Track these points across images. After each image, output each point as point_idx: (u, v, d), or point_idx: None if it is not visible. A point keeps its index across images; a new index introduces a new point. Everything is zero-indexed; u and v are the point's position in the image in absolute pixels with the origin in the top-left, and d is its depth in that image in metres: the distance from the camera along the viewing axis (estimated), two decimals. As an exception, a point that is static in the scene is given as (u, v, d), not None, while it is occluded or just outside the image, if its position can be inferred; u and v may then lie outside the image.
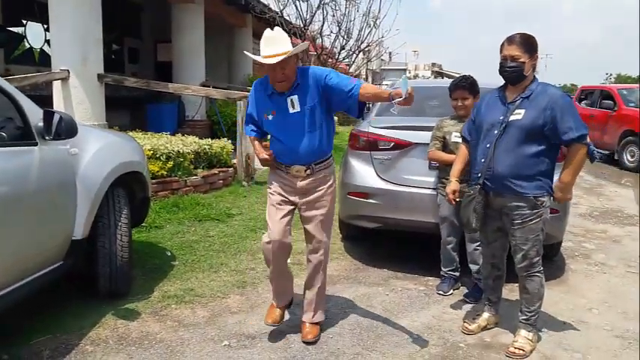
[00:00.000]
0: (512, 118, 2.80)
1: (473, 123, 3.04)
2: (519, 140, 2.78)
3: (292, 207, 2.96)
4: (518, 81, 2.84)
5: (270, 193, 2.99)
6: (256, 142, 3.03)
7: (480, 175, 2.90)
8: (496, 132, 2.84)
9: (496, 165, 2.83)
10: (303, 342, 2.94)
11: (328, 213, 3.00)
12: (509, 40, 2.83)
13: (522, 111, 2.79)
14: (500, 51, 2.86)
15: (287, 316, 3.18)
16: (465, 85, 3.58)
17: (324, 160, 2.94)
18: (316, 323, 3.04)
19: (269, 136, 3.01)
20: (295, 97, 2.83)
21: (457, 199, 3.08)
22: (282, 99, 2.85)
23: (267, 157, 2.93)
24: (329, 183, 2.98)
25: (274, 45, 2.74)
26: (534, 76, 2.88)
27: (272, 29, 2.82)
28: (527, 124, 2.75)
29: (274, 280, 3.07)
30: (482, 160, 2.88)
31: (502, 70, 2.85)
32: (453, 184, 3.10)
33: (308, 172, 2.89)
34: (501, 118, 2.84)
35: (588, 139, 2.77)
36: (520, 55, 2.78)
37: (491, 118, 2.89)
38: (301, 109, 2.83)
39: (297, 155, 2.87)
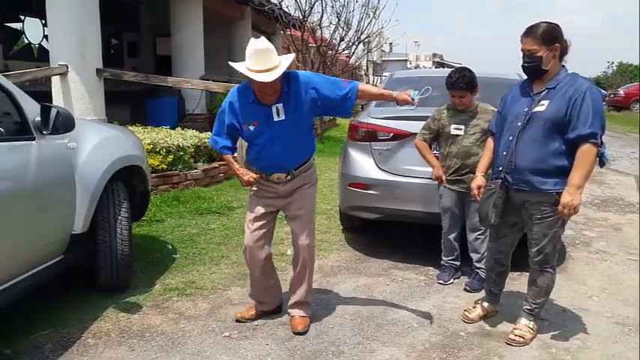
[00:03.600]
0: (535, 109, 2.70)
1: (499, 115, 2.96)
2: (542, 133, 2.66)
3: (274, 214, 2.98)
4: (537, 75, 2.74)
5: (252, 200, 2.97)
6: (235, 164, 2.95)
7: (501, 168, 2.82)
8: (519, 124, 2.74)
9: (517, 159, 2.74)
10: (294, 333, 2.95)
11: (310, 210, 3.01)
12: (526, 33, 2.71)
13: (546, 102, 2.68)
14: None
15: (285, 307, 3.20)
16: (462, 86, 3.47)
17: (305, 163, 2.93)
18: (305, 316, 3.05)
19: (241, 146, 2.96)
20: (281, 106, 2.76)
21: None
22: (266, 107, 2.77)
23: (252, 180, 2.87)
24: (310, 182, 2.99)
25: (266, 58, 2.60)
26: (562, 66, 2.75)
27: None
28: (550, 115, 2.64)
29: (252, 287, 3.09)
30: (504, 154, 2.80)
31: (522, 65, 2.76)
32: (478, 179, 3.01)
33: (289, 177, 2.89)
34: (526, 109, 2.74)
35: (599, 140, 2.60)
36: (537, 49, 2.66)
37: (515, 110, 2.80)
38: (286, 118, 2.77)
39: (278, 165, 2.85)
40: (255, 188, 2.96)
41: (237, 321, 3.05)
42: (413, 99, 2.73)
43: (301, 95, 2.77)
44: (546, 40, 2.67)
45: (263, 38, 2.72)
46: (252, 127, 2.80)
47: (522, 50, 2.74)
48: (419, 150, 3.72)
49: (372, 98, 2.89)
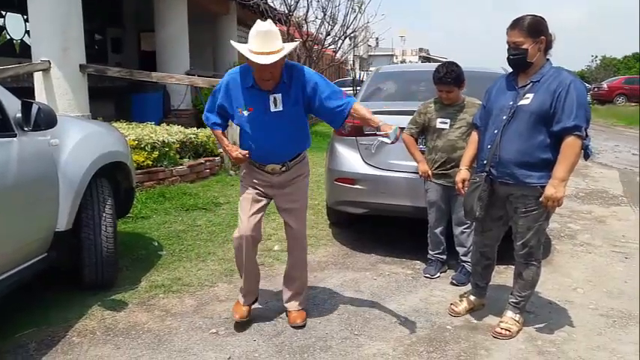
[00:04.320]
0: (520, 102, 2.70)
1: (484, 108, 2.96)
2: (527, 126, 2.66)
3: (267, 201, 2.94)
4: (522, 68, 2.74)
5: (244, 186, 2.93)
6: (225, 140, 2.90)
7: (485, 162, 2.82)
8: (504, 117, 2.74)
9: (502, 152, 2.74)
10: (293, 327, 2.94)
11: (304, 202, 3.00)
12: (512, 25, 2.71)
13: (531, 95, 2.68)
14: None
15: (272, 303, 3.20)
16: (450, 81, 3.48)
17: (299, 155, 2.91)
18: (303, 309, 3.05)
19: (233, 128, 2.87)
20: (279, 96, 2.70)
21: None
22: (264, 95, 2.71)
23: (241, 156, 2.81)
24: (304, 173, 2.97)
25: (268, 41, 2.53)
26: (547, 59, 2.76)
27: (260, 18, 2.66)
28: (534, 109, 2.64)
29: (244, 279, 2.99)
30: (489, 147, 2.80)
31: (507, 58, 2.76)
32: (462, 173, 3.00)
33: (283, 169, 2.86)
34: (511, 103, 2.74)
35: (584, 133, 2.61)
36: (522, 41, 2.66)
37: (500, 104, 2.80)
38: (283, 109, 2.71)
39: (272, 155, 2.81)
40: (244, 170, 2.90)
41: (237, 323, 2.94)
42: (389, 136, 2.56)
43: (301, 90, 2.72)
44: (532, 33, 2.67)
45: (269, 21, 2.63)
46: (246, 113, 2.74)
47: (508, 42, 2.74)
48: (405, 145, 3.72)
49: (361, 120, 2.87)
